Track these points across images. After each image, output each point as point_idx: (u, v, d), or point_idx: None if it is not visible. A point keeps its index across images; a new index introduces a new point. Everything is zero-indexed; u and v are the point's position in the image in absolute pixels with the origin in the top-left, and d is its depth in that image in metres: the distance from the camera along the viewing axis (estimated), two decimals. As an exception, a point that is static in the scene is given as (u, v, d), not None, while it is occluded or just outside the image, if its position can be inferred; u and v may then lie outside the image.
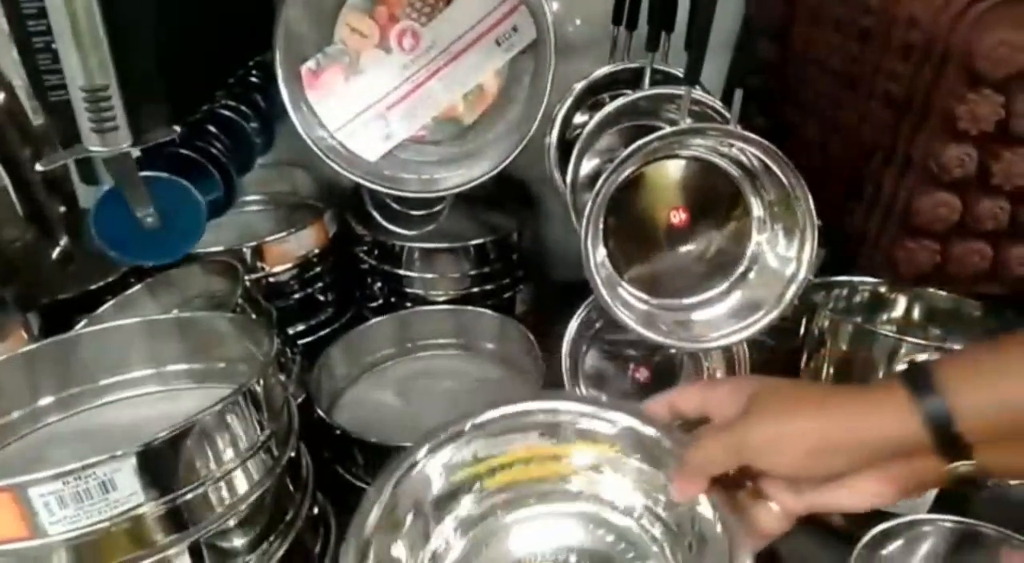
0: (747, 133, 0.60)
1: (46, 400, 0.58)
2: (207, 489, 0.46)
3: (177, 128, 0.48)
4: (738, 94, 0.60)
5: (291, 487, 0.53)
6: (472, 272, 0.87)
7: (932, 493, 0.62)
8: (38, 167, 0.47)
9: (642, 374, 0.79)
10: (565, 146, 0.76)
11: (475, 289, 0.87)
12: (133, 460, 0.42)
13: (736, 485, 0.47)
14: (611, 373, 0.79)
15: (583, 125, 0.77)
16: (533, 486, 0.55)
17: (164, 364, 0.60)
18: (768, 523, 0.45)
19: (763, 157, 0.62)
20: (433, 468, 0.53)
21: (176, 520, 0.44)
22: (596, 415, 0.53)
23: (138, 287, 0.74)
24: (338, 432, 0.68)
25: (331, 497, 0.62)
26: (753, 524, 0.45)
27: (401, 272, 0.86)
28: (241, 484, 0.48)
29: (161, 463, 0.43)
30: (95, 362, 0.59)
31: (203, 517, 0.46)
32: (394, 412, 0.76)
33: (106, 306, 0.73)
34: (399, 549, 0.50)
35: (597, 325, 0.77)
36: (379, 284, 0.88)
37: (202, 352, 0.60)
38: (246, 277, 0.70)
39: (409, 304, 0.86)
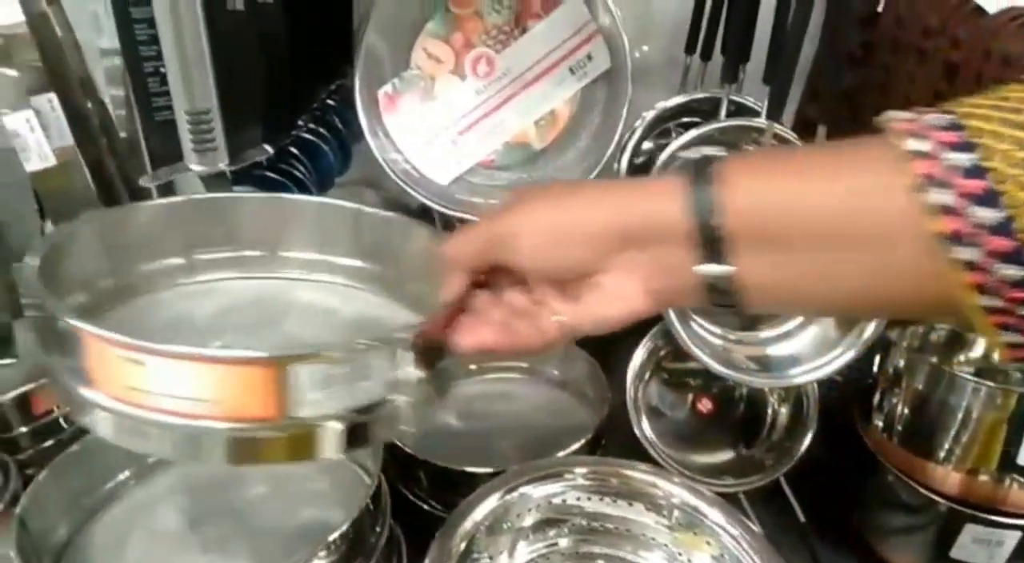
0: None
1: (211, 254, 0.52)
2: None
3: (270, 148, 0.49)
4: (821, 130, 0.60)
5: (373, 511, 0.53)
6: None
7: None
8: (142, 182, 0.48)
9: (704, 405, 0.79)
10: (633, 174, 0.76)
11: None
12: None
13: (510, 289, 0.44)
14: (673, 402, 0.78)
15: (650, 153, 0.77)
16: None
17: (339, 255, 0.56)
18: (543, 329, 0.42)
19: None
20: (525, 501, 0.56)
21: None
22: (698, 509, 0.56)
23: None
24: (404, 453, 0.68)
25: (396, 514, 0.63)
26: (530, 330, 0.42)
27: (465, 294, 0.87)
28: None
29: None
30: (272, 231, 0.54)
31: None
32: (457, 434, 0.76)
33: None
34: None
35: (661, 353, 0.76)
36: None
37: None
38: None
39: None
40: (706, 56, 0.75)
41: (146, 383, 0.34)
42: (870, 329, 0.61)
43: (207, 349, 0.34)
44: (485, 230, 0.42)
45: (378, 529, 0.55)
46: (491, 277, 0.44)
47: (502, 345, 0.42)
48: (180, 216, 0.47)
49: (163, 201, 0.48)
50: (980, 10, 0.65)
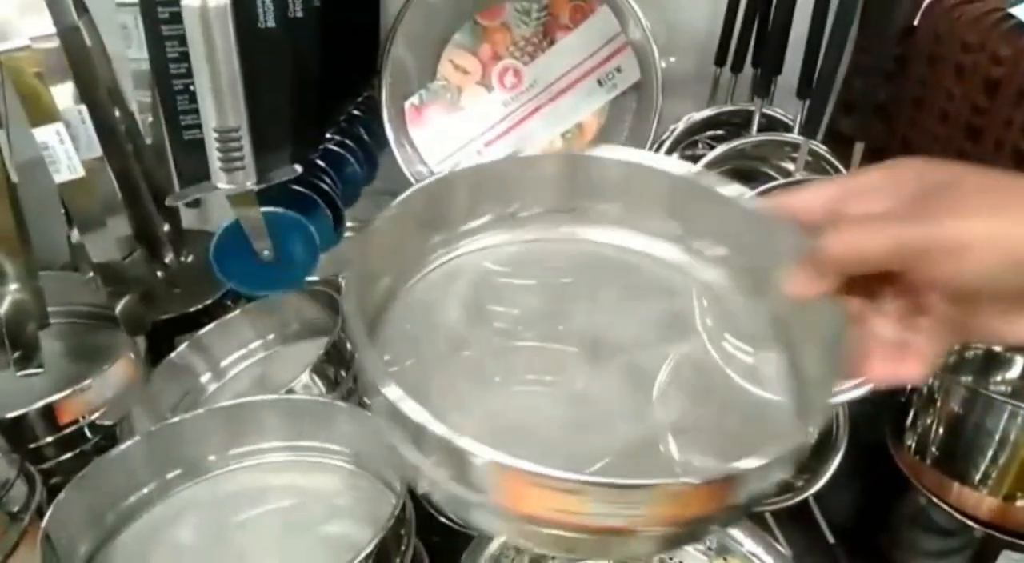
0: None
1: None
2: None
3: (299, 168, 0.49)
4: (858, 147, 0.59)
5: (398, 530, 0.53)
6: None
7: None
8: (168, 202, 0.48)
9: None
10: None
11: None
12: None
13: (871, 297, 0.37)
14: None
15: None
16: None
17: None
18: (921, 347, 0.36)
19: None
20: None
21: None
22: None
23: (236, 313, 0.76)
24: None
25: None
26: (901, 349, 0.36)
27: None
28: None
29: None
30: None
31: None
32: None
33: (206, 329, 0.75)
34: None
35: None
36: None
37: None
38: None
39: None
40: (737, 68, 0.74)
41: (575, 507, 0.31)
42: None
43: (657, 481, 0.31)
44: (913, 232, 0.34)
45: (403, 548, 0.54)
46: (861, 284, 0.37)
47: (885, 377, 0.36)
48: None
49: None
50: (1021, 26, 0.64)
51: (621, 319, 0.44)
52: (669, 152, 0.76)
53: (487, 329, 0.43)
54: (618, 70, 0.72)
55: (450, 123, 0.74)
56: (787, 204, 0.38)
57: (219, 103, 0.43)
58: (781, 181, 0.59)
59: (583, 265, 0.46)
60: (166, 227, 0.83)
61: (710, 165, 0.68)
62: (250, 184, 0.46)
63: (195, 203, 0.80)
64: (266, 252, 0.51)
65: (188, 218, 0.85)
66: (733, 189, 0.42)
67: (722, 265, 0.45)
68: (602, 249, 0.46)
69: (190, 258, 0.83)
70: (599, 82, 0.73)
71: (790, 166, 0.67)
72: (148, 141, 0.73)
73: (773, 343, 0.42)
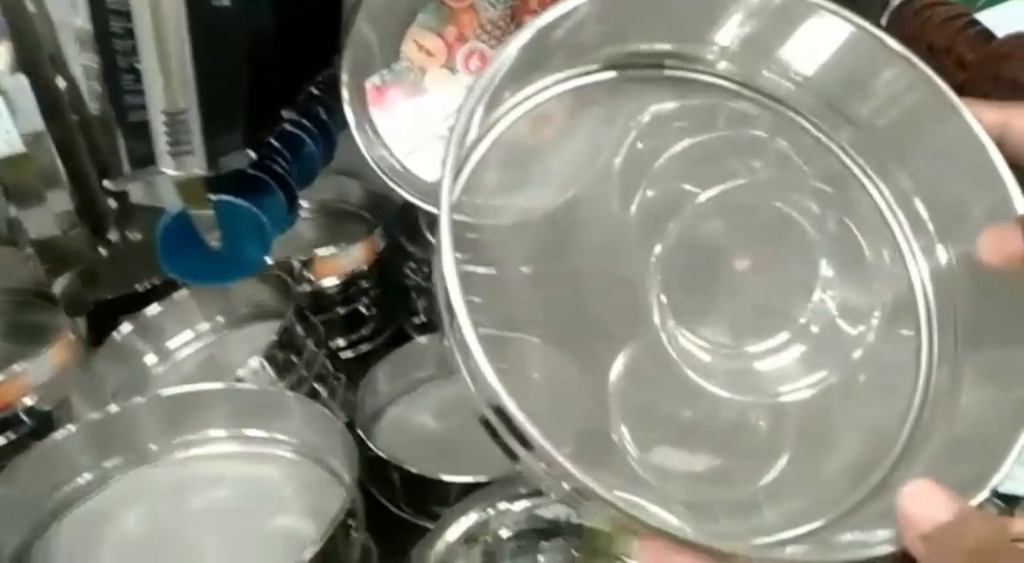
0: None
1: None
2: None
3: (252, 154, 0.47)
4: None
5: (346, 524, 0.52)
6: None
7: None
8: (110, 186, 0.46)
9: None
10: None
11: (521, 313, 0.86)
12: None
13: None
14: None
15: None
16: None
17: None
18: None
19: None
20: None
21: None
22: None
23: (184, 293, 0.74)
24: (376, 457, 0.66)
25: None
26: None
27: (447, 291, 0.85)
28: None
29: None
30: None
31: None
32: (433, 437, 0.75)
33: (152, 309, 0.73)
34: None
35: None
36: (424, 302, 0.87)
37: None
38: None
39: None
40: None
41: None
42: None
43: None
44: None
45: (352, 541, 0.53)
46: None
47: None
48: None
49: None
50: (988, 33, 0.64)
51: None
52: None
53: None
54: (585, 58, 0.71)
55: (413, 105, 0.72)
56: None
57: (167, 83, 0.40)
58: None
59: None
60: (112, 202, 0.80)
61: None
62: (199, 170, 0.44)
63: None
64: (215, 242, 0.49)
65: (137, 193, 0.82)
66: None
67: None
68: None
69: (137, 235, 0.80)
70: (566, 69, 0.71)
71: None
72: (95, 111, 0.70)
73: None
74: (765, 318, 0.43)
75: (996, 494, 0.43)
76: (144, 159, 0.45)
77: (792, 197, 0.43)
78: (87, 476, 0.56)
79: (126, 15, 0.39)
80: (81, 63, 0.67)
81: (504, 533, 0.59)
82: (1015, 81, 0.60)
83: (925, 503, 0.27)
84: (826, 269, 0.43)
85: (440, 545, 0.58)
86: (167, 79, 0.40)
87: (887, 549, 0.28)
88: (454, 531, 0.57)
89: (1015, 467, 0.32)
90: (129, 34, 0.40)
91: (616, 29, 0.40)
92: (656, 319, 0.42)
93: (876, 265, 0.42)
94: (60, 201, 0.62)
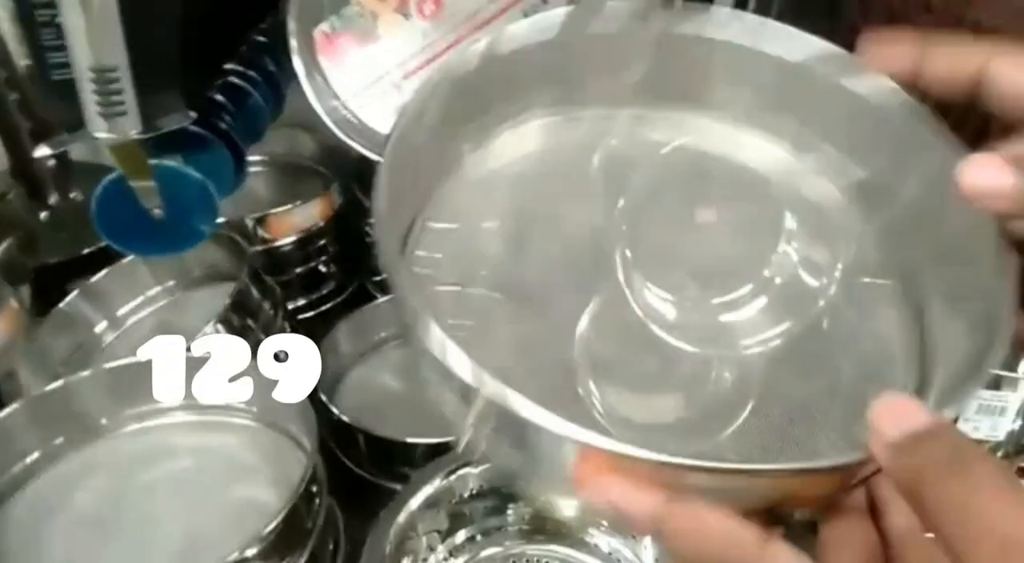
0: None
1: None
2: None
3: (193, 113, 0.44)
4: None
5: (312, 491, 0.51)
6: (481, 250, 0.84)
7: None
8: (37, 153, 0.42)
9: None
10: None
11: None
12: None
13: None
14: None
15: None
16: None
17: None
18: None
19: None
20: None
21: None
22: None
23: (133, 257, 0.70)
24: (339, 421, 0.65)
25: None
26: None
27: (407, 247, 0.83)
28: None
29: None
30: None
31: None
32: (397, 398, 0.74)
33: (100, 275, 0.69)
34: None
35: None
36: (384, 258, 0.84)
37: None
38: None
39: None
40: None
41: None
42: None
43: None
44: None
45: (316, 508, 0.52)
46: None
47: None
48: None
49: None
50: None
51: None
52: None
53: None
54: (544, 1, 0.68)
55: (365, 53, 0.69)
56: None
57: (93, 38, 0.37)
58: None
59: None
60: (51, 161, 0.76)
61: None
62: (134, 133, 0.41)
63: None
64: (156, 211, 0.46)
65: (78, 150, 0.77)
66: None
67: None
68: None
69: (79, 196, 0.77)
70: (524, 13, 0.68)
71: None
72: (23, 64, 0.66)
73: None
74: (730, 270, 0.42)
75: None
76: (67, 126, 0.42)
77: None
78: (35, 455, 0.53)
79: (41, -38, 0.36)
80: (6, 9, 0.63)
81: (471, 493, 0.58)
82: (978, 23, 0.59)
83: (897, 412, 0.26)
84: (790, 221, 0.42)
85: (409, 506, 0.57)
86: (92, 32, 0.37)
87: (856, 456, 0.28)
88: (422, 494, 0.56)
89: (979, 416, 0.31)
90: (46, -17, 0.36)
91: None
92: (620, 273, 0.41)
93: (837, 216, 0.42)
94: (-7, 163, 0.58)
